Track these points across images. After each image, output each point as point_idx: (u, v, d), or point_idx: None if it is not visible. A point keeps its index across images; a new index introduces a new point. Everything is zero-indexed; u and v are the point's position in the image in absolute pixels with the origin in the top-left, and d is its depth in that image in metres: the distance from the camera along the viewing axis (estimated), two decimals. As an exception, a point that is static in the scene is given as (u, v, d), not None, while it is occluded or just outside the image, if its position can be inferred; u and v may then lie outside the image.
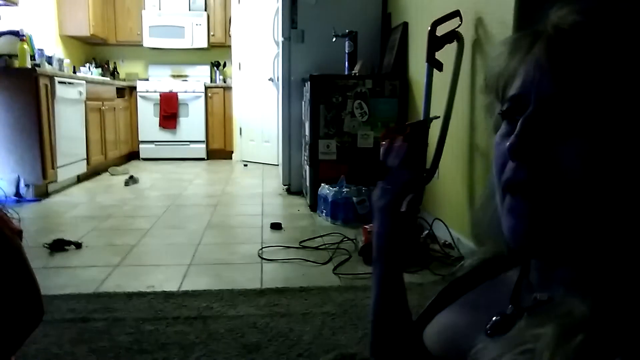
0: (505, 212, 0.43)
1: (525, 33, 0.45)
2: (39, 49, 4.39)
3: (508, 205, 0.43)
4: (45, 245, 2.55)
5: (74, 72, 5.55)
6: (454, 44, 2.46)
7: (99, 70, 6.31)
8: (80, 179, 4.67)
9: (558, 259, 0.43)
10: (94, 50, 6.65)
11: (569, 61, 0.39)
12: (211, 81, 6.73)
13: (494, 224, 0.48)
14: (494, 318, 0.48)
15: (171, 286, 2.10)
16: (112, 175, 5.08)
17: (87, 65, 6.18)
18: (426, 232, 2.55)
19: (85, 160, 4.71)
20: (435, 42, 2.49)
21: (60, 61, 4.94)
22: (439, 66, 2.54)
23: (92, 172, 4.94)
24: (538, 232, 0.41)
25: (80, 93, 4.60)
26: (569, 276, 0.42)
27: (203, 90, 6.37)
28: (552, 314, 0.38)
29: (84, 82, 4.73)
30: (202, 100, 6.36)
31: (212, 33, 6.60)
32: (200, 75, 6.77)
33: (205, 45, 6.55)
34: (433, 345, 0.56)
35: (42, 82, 3.87)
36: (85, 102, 4.70)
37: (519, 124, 0.41)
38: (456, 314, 0.57)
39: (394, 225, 0.66)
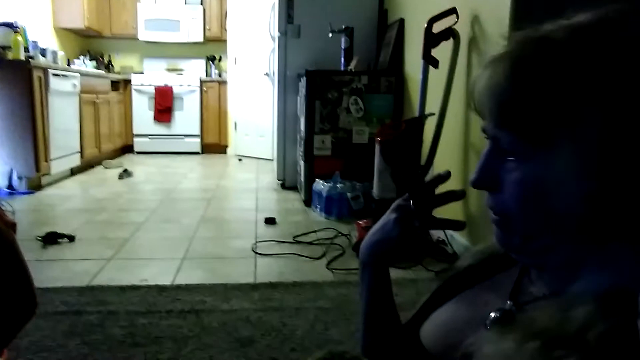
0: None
1: (495, 57, 0.46)
2: (32, 41, 4.36)
3: (490, 216, 0.50)
4: (39, 238, 2.54)
5: (68, 64, 5.52)
6: (450, 41, 2.47)
7: (94, 63, 6.27)
8: (73, 172, 4.65)
9: (534, 261, 0.48)
10: (88, 42, 6.60)
11: (501, 99, 0.43)
12: (206, 75, 6.70)
13: None
14: (492, 314, 0.49)
15: (165, 280, 2.10)
16: (106, 168, 5.06)
17: (82, 58, 6.14)
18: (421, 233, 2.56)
19: (79, 153, 4.69)
20: (431, 39, 2.50)
21: (55, 53, 4.90)
22: (435, 63, 2.54)
23: (86, 165, 4.92)
24: (505, 241, 0.48)
25: (75, 86, 4.57)
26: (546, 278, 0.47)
27: (198, 84, 6.35)
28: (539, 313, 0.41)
29: (79, 74, 4.70)
30: (197, 94, 6.34)
31: (208, 27, 6.57)
32: (195, 69, 6.74)
33: (200, 39, 6.52)
34: (430, 342, 0.57)
35: (36, 74, 3.84)
36: (79, 94, 4.68)
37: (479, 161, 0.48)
38: (454, 311, 0.57)
39: (404, 238, 0.64)
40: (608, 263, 0.41)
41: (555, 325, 0.38)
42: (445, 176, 0.64)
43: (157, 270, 2.23)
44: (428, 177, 2.66)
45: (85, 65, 5.93)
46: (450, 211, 2.59)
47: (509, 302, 0.50)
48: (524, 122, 0.41)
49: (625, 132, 0.38)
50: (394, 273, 2.36)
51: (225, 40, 6.28)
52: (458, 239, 2.41)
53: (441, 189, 0.65)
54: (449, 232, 2.49)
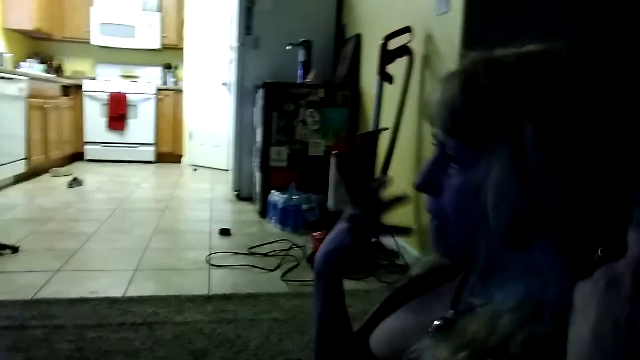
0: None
1: (450, 74, 0.50)
2: (-23, 42, 4.17)
3: (429, 223, 0.53)
4: (-21, 248, 2.43)
5: (16, 67, 5.30)
6: (405, 58, 2.55)
7: (43, 66, 6.04)
8: (18, 179, 4.45)
9: (466, 267, 0.52)
10: (37, 45, 6.36)
11: (447, 111, 0.48)
12: (163, 83, 6.60)
13: None
14: (435, 322, 0.52)
15: (116, 292, 2.05)
16: (53, 176, 4.87)
17: (30, 61, 5.91)
18: (373, 240, 2.61)
19: (25, 160, 4.50)
20: (386, 56, 2.57)
21: (1, 55, 4.71)
22: (390, 79, 2.62)
23: (32, 173, 4.72)
24: (440, 247, 0.52)
25: (21, 89, 4.40)
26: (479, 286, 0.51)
27: (154, 92, 6.23)
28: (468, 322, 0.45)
29: (26, 78, 4.53)
30: (152, 102, 6.22)
31: (164, 34, 6.47)
32: (151, 76, 6.62)
33: (157, 46, 6.42)
34: (378, 349, 0.60)
35: (-20, 76, 3.67)
36: (26, 99, 4.50)
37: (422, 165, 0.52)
38: (401, 319, 0.60)
39: (356, 246, 0.66)
40: (527, 271, 0.44)
41: (483, 334, 0.42)
42: (384, 181, 0.68)
43: (108, 282, 2.17)
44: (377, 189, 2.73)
45: (34, 68, 5.71)
46: (401, 222, 2.65)
47: (450, 311, 0.53)
48: (470, 130, 0.46)
49: (550, 144, 0.43)
50: (348, 284, 2.39)
51: (182, 49, 6.21)
52: (410, 251, 2.47)
53: (396, 191, 0.68)
54: (401, 244, 2.55)
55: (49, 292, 2.03)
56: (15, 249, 2.50)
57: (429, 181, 0.51)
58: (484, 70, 0.47)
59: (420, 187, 0.52)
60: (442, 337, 0.45)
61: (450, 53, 2.16)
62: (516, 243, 0.45)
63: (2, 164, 4.04)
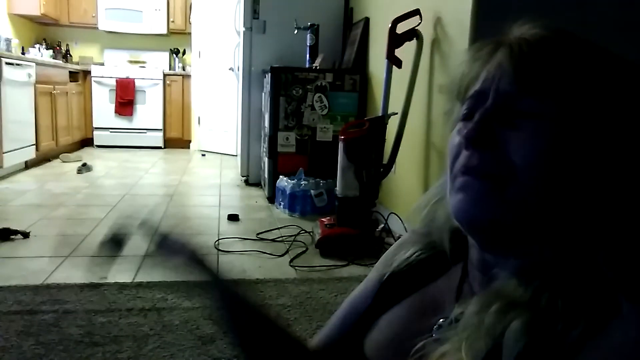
0: (455, 191, 0.46)
1: (487, 42, 0.48)
2: (-15, 28, 4.17)
3: (459, 183, 0.45)
4: (-10, 234, 2.45)
5: (23, 53, 5.31)
6: (414, 42, 2.51)
7: (51, 52, 6.04)
8: (28, 165, 4.48)
9: (500, 241, 0.46)
10: (45, 30, 6.36)
11: (528, 64, 0.44)
12: (170, 68, 6.58)
13: (444, 219, 0.52)
14: (440, 321, 0.48)
15: (125, 277, 2.06)
16: (63, 162, 4.90)
17: (37, 46, 5.91)
18: (382, 225, 2.61)
19: (35, 146, 4.52)
20: (395, 40, 2.53)
21: (8, 41, 4.72)
22: (398, 63, 2.58)
23: (42, 159, 4.75)
24: (485, 207, 0.44)
25: (30, 75, 4.40)
26: (509, 269, 0.45)
27: (161, 77, 6.22)
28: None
29: (34, 64, 4.53)
30: (160, 87, 6.21)
31: (171, 19, 6.44)
32: (158, 61, 6.60)
33: (164, 31, 6.39)
34: (378, 354, 0.55)
35: (-11, 63, 3.68)
36: (35, 85, 4.51)
37: (476, 114, 0.45)
38: (399, 321, 0.55)
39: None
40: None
41: (512, 291, 0.42)
42: None
43: (117, 268, 2.18)
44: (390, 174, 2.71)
45: (42, 54, 5.71)
46: (410, 206, 2.65)
47: (455, 310, 0.48)
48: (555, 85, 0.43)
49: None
50: (356, 270, 2.37)
51: (189, 33, 6.18)
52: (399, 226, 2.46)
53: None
54: (410, 229, 2.53)
55: (59, 278, 2.04)
56: (26, 235, 2.52)
57: (487, 132, 0.44)
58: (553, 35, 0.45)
59: (476, 137, 0.44)
60: (443, 339, 0.43)
61: (460, 36, 2.12)
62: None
63: (13, 150, 4.06)
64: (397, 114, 2.58)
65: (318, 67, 3.44)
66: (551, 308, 0.39)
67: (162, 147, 6.31)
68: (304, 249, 2.49)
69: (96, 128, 6.11)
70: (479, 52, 0.48)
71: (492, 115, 0.44)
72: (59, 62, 5.73)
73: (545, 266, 0.42)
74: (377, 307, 0.59)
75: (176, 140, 6.36)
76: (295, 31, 3.57)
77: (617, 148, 0.43)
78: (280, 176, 3.32)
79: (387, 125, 2.62)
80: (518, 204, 0.43)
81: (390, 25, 2.52)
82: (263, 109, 3.76)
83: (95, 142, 6.10)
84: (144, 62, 6.58)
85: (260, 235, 2.68)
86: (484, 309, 0.41)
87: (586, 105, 0.43)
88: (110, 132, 6.14)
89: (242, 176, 4.13)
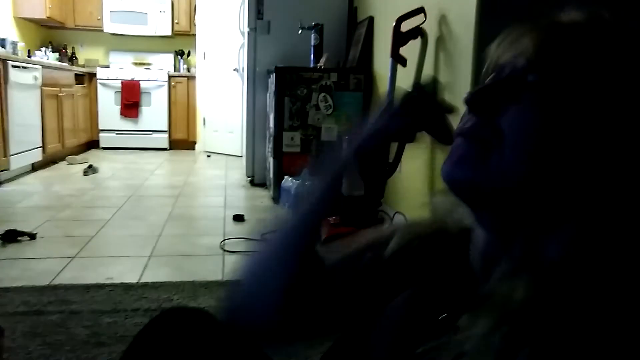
0: (448, 154, 0.47)
1: (517, 27, 0.48)
2: (-9, 31, 4.20)
3: (453, 146, 0.46)
4: (-3, 235, 2.46)
5: (29, 56, 5.34)
6: (418, 40, 2.50)
7: (56, 55, 6.07)
8: (35, 167, 4.51)
9: (481, 207, 0.46)
10: (50, 33, 6.39)
11: (549, 42, 0.44)
12: (175, 70, 6.60)
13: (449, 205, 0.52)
14: (443, 316, 0.47)
15: (131, 278, 2.06)
16: (70, 164, 4.92)
17: (43, 49, 5.94)
18: (387, 225, 2.60)
19: (41, 148, 4.54)
20: (399, 38, 2.52)
21: (14, 44, 4.75)
22: (403, 62, 2.57)
23: (49, 161, 4.77)
24: (466, 168, 0.45)
25: (36, 78, 4.43)
26: (509, 251, 0.45)
27: (166, 79, 6.24)
28: (487, 307, 0.41)
29: (40, 67, 4.56)
30: (165, 89, 6.23)
31: (176, 21, 6.46)
32: (163, 63, 6.62)
33: (169, 33, 6.41)
34: (379, 352, 0.53)
35: (-5, 66, 3.71)
36: (41, 87, 4.53)
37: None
38: (403, 314, 0.54)
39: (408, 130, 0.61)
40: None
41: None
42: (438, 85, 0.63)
43: (123, 268, 2.19)
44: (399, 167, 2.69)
45: (47, 57, 5.74)
46: (415, 205, 2.62)
47: (460, 304, 0.47)
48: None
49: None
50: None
51: (194, 35, 6.19)
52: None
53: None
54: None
55: (65, 278, 2.05)
56: (33, 236, 2.53)
57: (487, 97, 0.45)
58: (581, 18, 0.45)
59: (473, 100, 0.45)
60: (446, 340, 0.42)
61: (465, 34, 2.11)
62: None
63: (20, 152, 4.08)
64: (402, 112, 2.56)
65: (322, 67, 3.43)
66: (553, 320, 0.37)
67: (168, 148, 6.33)
68: (310, 248, 2.48)
69: (102, 130, 6.13)
70: (510, 35, 0.48)
71: (501, 86, 0.44)
72: (65, 64, 5.75)
73: (536, 257, 0.42)
74: (381, 291, 0.57)
75: (181, 142, 6.38)
76: (300, 31, 3.57)
77: (615, 140, 0.41)
78: (285, 176, 3.32)
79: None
80: (498, 171, 0.43)
81: (394, 23, 2.51)
82: (268, 109, 3.76)
83: (101, 144, 6.13)
84: (149, 64, 6.60)
85: (265, 236, 2.68)
86: (492, 333, 0.39)
87: (591, 92, 0.42)
88: (116, 134, 6.17)
89: (248, 177, 4.13)
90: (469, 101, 0.45)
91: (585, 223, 0.42)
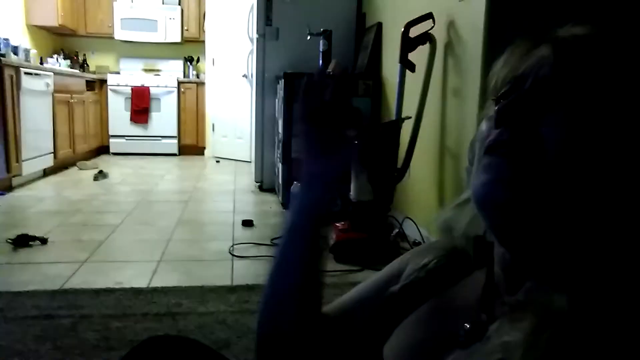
0: (480, 171, 0.43)
1: (523, 41, 0.47)
2: (4, 39, 4.26)
3: (485, 163, 0.43)
4: (9, 240, 2.49)
5: (41, 63, 5.41)
6: (427, 46, 2.50)
7: (68, 62, 6.15)
8: (46, 173, 4.55)
9: (516, 227, 0.42)
10: (62, 41, 6.48)
11: (572, 53, 0.42)
12: (184, 76, 6.65)
13: (468, 223, 0.50)
14: (466, 326, 0.46)
15: (140, 283, 2.07)
16: (80, 169, 4.97)
17: (55, 56, 6.01)
18: (396, 230, 2.59)
19: (53, 154, 4.59)
20: (408, 43, 2.53)
21: (27, 51, 4.81)
22: (412, 67, 2.57)
23: (60, 166, 4.82)
24: (505, 185, 0.41)
25: (48, 85, 4.48)
26: (540, 270, 0.42)
27: (176, 85, 6.29)
28: (525, 314, 0.39)
29: (52, 73, 4.62)
30: (174, 95, 6.28)
31: (185, 28, 6.51)
32: (173, 70, 6.68)
33: (178, 39, 6.46)
34: None
35: (7, 72, 3.75)
36: (52, 94, 4.59)
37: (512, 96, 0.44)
38: (420, 325, 0.53)
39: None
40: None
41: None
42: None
43: (132, 273, 2.20)
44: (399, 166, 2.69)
45: (59, 64, 5.81)
46: (424, 211, 2.60)
47: (482, 315, 0.47)
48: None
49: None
50: (370, 275, 2.36)
51: (203, 41, 6.24)
52: (413, 231, 2.44)
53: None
54: (425, 234, 2.51)
55: (76, 283, 2.06)
56: (44, 241, 2.55)
57: (520, 109, 0.42)
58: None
59: (507, 112, 0.42)
60: (472, 349, 0.41)
61: (473, 39, 2.11)
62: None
63: (31, 158, 4.13)
64: (410, 118, 2.57)
65: (331, 73, 3.44)
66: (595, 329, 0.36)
67: (177, 154, 6.37)
68: (318, 254, 2.48)
69: (112, 136, 6.19)
70: (518, 49, 0.46)
71: (528, 96, 0.42)
72: (76, 71, 5.82)
73: (573, 274, 0.40)
74: (394, 314, 0.56)
75: (191, 147, 6.42)
76: (308, 37, 3.58)
77: None
78: (294, 182, 3.32)
79: (401, 130, 2.61)
80: (540, 185, 0.39)
81: (403, 29, 2.52)
82: (277, 115, 3.77)
83: (112, 150, 6.18)
84: (158, 71, 6.66)
85: (274, 241, 2.68)
86: (535, 338, 0.37)
87: (622, 95, 0.40)
88: (126, 139, 6.22)
89: (256, 182, 4.15)
90: (502, 114, 0.42)
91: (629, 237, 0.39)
